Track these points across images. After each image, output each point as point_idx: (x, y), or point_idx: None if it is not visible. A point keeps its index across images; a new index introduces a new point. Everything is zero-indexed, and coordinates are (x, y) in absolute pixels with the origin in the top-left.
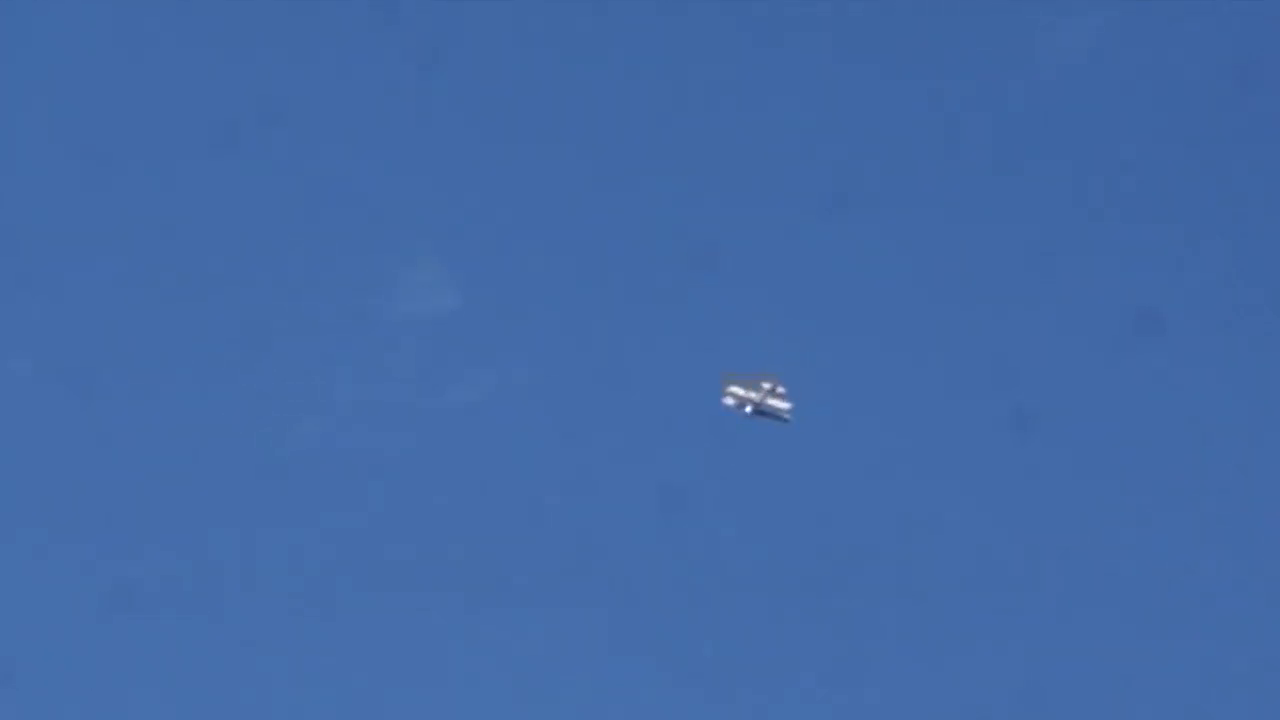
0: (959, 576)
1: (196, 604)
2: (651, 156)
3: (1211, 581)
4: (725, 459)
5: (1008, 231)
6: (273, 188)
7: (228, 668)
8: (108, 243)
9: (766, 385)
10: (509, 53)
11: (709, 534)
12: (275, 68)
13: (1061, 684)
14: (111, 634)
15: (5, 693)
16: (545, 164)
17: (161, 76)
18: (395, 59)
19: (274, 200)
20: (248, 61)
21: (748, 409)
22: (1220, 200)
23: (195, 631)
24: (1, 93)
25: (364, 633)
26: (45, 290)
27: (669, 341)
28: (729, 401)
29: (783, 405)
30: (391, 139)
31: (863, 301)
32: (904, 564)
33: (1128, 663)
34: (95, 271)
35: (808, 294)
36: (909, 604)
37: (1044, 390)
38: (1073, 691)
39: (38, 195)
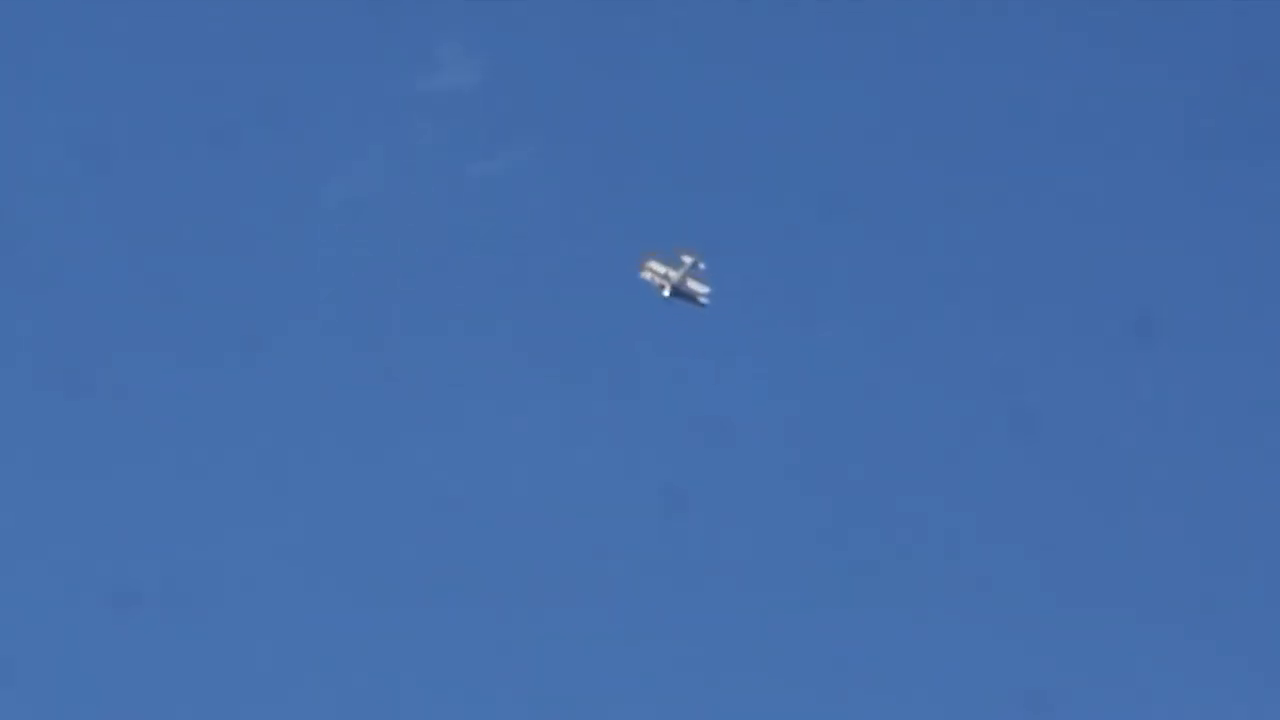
0: (957, 577)
1: (196, 600)
2: None
3: (1211, 581)
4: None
5: (1008, 232)
6: None
7: (227, 666)
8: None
9: (688, 260)
10: None
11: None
12: None
13: (1060, 684)
14: (111, 634)
15: (5, 693)
16: None
17: None
18: None
19: None
20: None
21: (665, 291)
22: (1220, 201)
23: (195, 631)
24: (1, 92)
25: (362, 630)
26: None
27: (681, 120)
28: (646, 277)
29: (701, 288)
30: None
31: (862, 302)
32: (904, 565)
33: (1126, 662)
34: (93, 260)
35: (806, 294)
36: (909, 605)
37: (1044, 392)
38: (1071, 691)
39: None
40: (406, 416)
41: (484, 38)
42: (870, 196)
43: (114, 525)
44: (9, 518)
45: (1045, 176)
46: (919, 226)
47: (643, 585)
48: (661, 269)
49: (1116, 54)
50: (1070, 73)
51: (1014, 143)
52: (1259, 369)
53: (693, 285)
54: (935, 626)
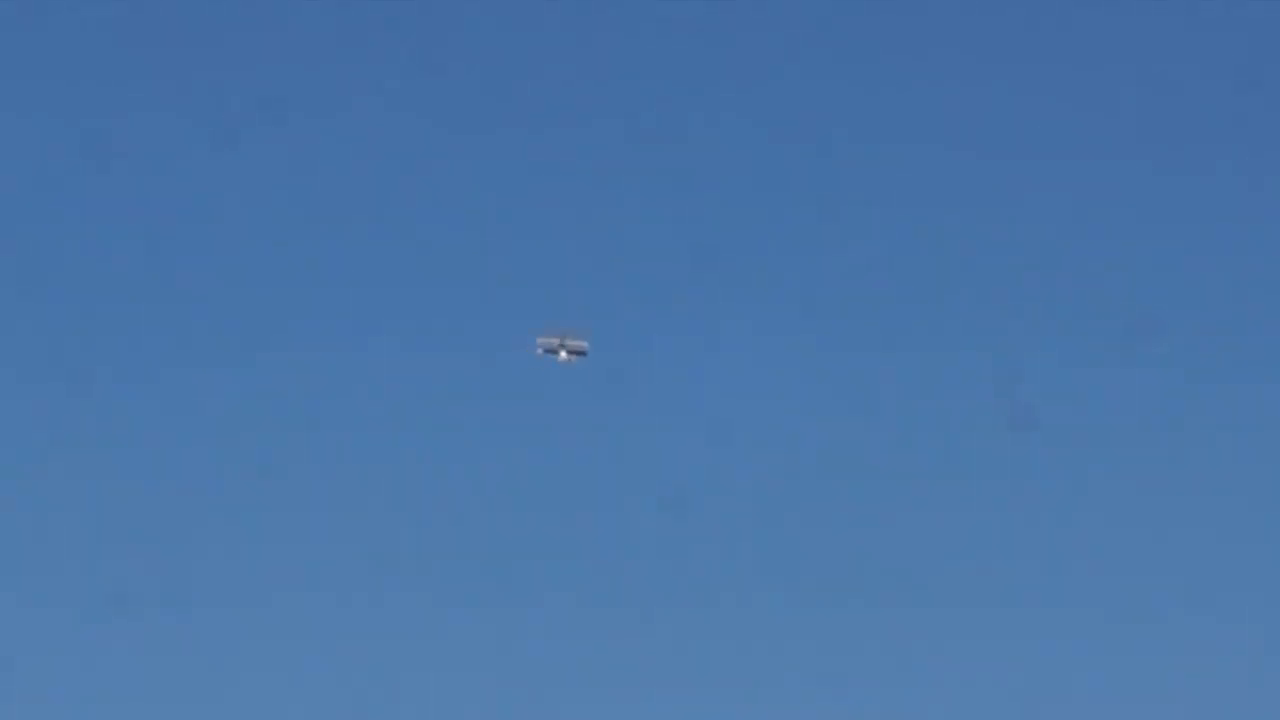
0: (958, 577)
1: (195, 604)
2: None
3: (1209, 581)
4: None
5: (1007, 230)
6: None
7: (223, 667)
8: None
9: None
10: None
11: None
12: None
13: (1059, 685)
14: (110, 635)
15: (5, 692)
16: None
17: None
18: None
19: None
20: None
21: (563, 355)
22: (1220, 201)
23: (194, 631)
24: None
25: (363, 630)
26: (44, 287)
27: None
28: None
29: (580, 344)
30: None
31: (861, 302)
32: (903, 564)
33: (1125, 662)
34: (93, 268)
35: (804, 293)
36: (909, 605)
37: (1044, 391)
38: (1071, 692)
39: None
40: (404, 417)
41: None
42: (869, 195)
43: (114, 525)
44: (9, 518)
45: (1044, 176)
46: (918, 226)
47: (641, 585)
48: (555, 341)
49: (1116, 53)
50: (1070, 71)
51: (1013, 142)
52: (1259, 368)
53: (573, 344)
54: (933, 627)
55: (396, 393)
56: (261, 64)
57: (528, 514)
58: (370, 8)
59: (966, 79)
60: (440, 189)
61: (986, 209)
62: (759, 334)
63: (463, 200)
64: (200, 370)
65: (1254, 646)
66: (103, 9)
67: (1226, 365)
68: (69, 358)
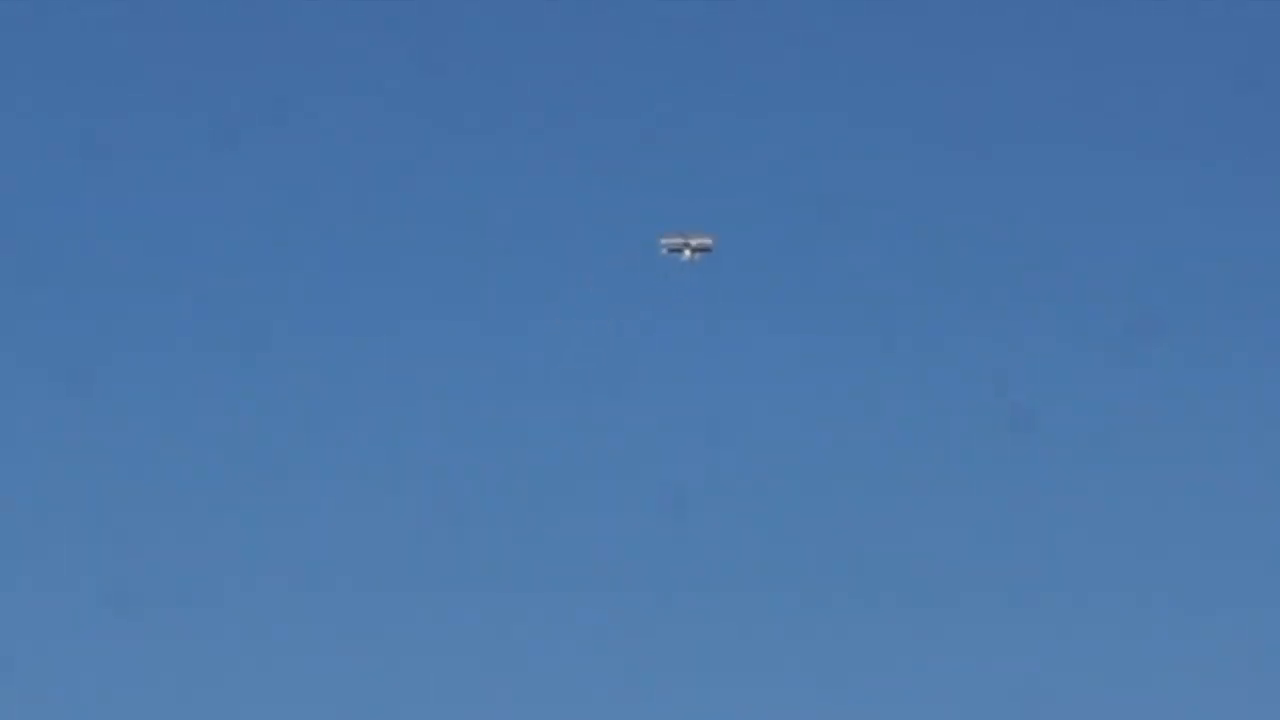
0: (958, 577)
1: (195, 603)
2: None
3: (1210, 581)
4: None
5: (1007, 230)
6: None
7: (227, 667)
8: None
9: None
10: None
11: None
12: None
13: (1059, 686)
14: (110, 634)
15: (5, 692)
16: None
17: None
18: None
19: None
20: None
21: (687, 254)
22: (1220, 201)
23: (194, 631)
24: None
25: (364, 630)
26: (44, 285)
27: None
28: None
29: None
30: None
31: (861, 302)
32: (903, 564)
33: (1126, 662)
34: (93, 263)
35: (804, 294)
36: (909, 605)
37: (1044, 390)
38: (1070, 693)
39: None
40: (404, 418)
41: None
42: (869, 195)
43: (114, 525)
44: (9, 518)
45: (1044, 175)
46: (918, 226)
47: (640, 585)
48: (678, 240)
49: (1116, 53)
50: (1070, 70)
51: (1013, 141)
52: (1259, 368)
53: (698, 243)
54: (933, 628)
55: (396, 393)
56: (261, 64)
57: (528, 514)
58: (370, 8)
59: (966, 79)
60: (440, 189)
61: (986, 209)
62: (759, 334)
63: (463, 200)
64: (200, 370)
65: (1255, 647)
66: (103, 9)
67: (1226, 365)
68: (69, 358)
